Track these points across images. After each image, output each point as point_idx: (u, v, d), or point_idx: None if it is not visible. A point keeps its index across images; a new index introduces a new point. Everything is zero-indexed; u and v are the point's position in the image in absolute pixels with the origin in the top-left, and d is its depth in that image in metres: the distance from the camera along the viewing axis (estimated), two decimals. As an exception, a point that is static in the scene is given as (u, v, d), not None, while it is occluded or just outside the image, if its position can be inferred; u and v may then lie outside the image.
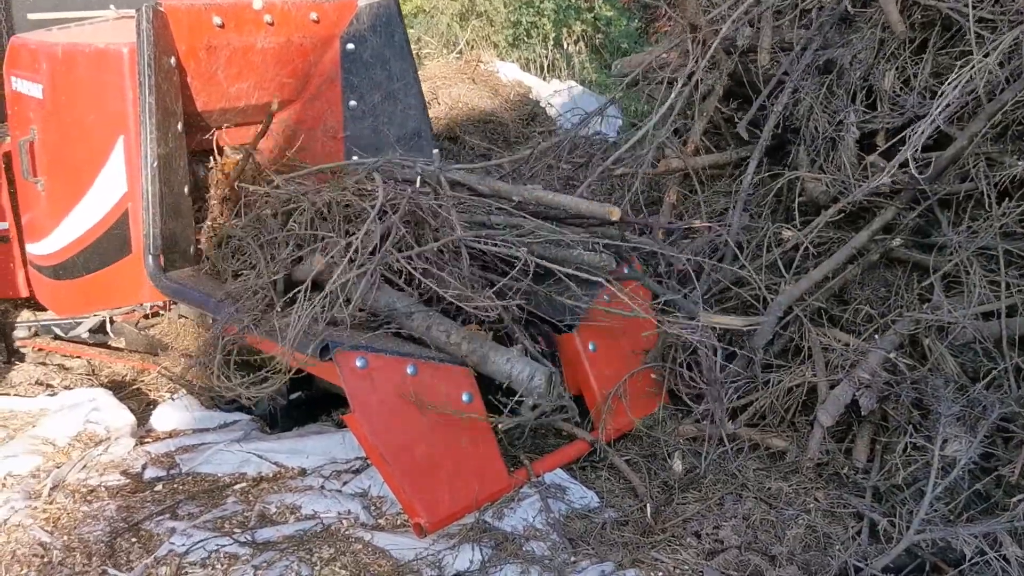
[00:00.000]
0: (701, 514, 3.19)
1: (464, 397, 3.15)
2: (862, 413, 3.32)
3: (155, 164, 3.54)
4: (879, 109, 3.77)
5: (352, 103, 4.38)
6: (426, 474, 3.00)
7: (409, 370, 3.04)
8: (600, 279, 3.30)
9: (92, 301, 4.11)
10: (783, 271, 3.66)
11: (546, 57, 11.21)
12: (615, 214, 3.31)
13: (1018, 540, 2.82)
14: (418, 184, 3.44)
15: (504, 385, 3.07)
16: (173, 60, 3.69)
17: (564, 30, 11.50)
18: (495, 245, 3.25)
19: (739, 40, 4.10)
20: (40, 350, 4.66)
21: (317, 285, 3.16)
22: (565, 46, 11.51)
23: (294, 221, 3.46)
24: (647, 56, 4.29)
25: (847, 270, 3.67)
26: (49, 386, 4.41)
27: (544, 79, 10.49)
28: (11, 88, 4.01)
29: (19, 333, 4.60)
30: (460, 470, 3.08)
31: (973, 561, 2.79)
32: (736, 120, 4.20)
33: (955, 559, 2.89)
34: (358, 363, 2.93)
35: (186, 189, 3.82)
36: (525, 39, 11.50)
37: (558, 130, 7.88)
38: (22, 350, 4.64)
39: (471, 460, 3.12)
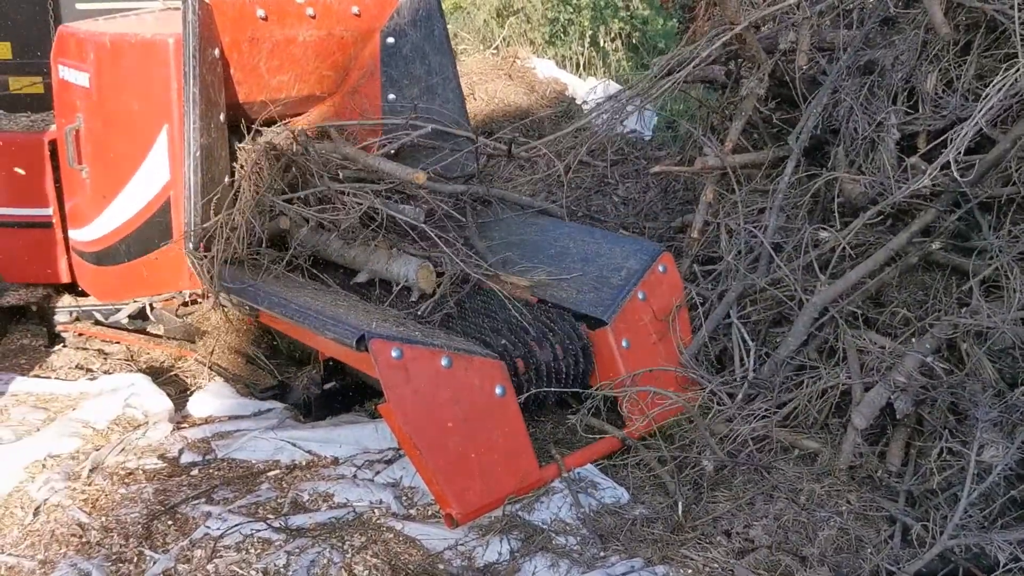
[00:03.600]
0: (732, 513, 3.19)
1: (497, 390, 3.17)
2: (897, 416, 3.30)
3: (198, 153, 3.60)
4: (921, 111, 3.73)
5: (391, 96, 4.42)
6: (458, 466, 3.02)
7: (443, 362, 3.06)
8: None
9: (133, 287, 4.18)
10: (818, 272, 3.64)
11: (582, 55, 11.20)
12: (420, 178, 3.85)
13: (1054, 548, 2.80)
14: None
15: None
16: (217, 51, 3.75)
17: (601, 28, 11.48)
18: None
19: (780, 42, 4.08)
20: (80, 335, 4.74)
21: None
22: (602, 44, 11.49)
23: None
24: (684, 54, 4.28)
25: (884, 272, 3.64)
26: (89, 370, 4.48)
27: (580, 77, 10.48)
28: (58, 77, 4.09)
29: (60, 318, 4.68)
30: (492, 463, 3.10)
31: (1007, 568, 2.76)
32: (774, 120, 4.18)
33: (989, 565, 2.86)
34: (393, 354, 2.96)
35: (226, 179, 3.88)
36: (562, 36, 11.50)
37: (593, 128, 7.90)
38: (63, 334, 4.73)
39: (503, 453, 3.13)
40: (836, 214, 3.78)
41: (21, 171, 4.38)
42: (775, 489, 3.29)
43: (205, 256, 3.62)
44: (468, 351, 3.17)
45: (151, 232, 3.92)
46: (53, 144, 4.35)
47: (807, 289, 3.67)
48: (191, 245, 3.63)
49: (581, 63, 11.17)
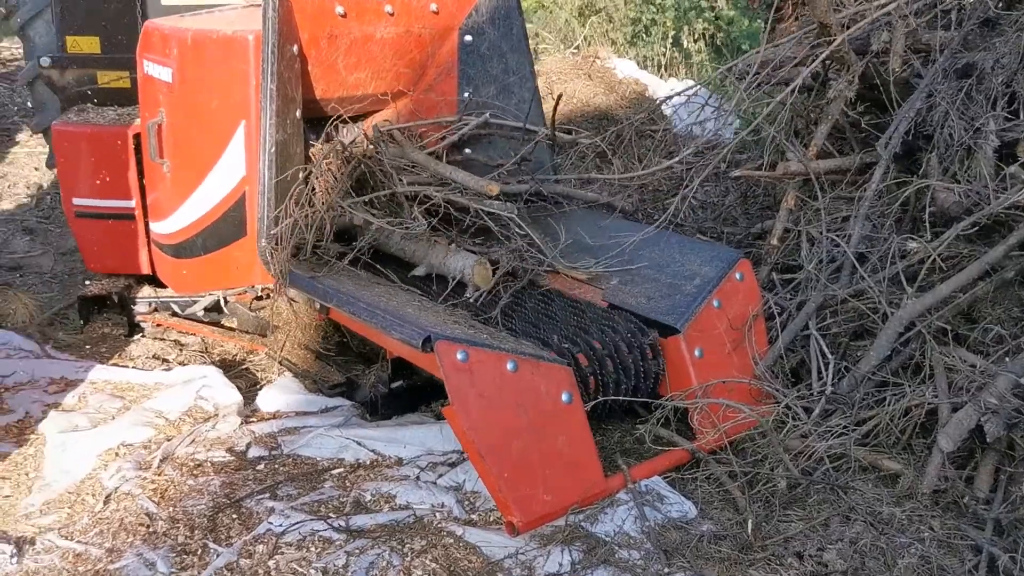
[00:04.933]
0: (804, 534, 3.05)
1: (564, 397, 3.10)
2: (987, 440, 3.12)
3: (272, 150, 3.61)
4: (1022, 117, 3.53)
5: (466, 95, 4.38)
6: (522, 472, 2.96)
7: (509, 366, 3.00)
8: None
9: (208, 280, 4.23)
10: (905, 285, 3.47)
11: (664, 55, 11.03)
12: (493, 190, 3.78)
13: None
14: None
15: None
16: (296, 48, 3.76)
17: (685, 28, 11.28)
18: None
19: (873, 43, 3.91)
20: (158, 325, 4.83)
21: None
22: (684, 44, 11.29)
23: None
24: (769, 54, 4.13)
25: (977, 287, 3.45)
26: (165, 361, 4.56)
27: (661, 78, 10.31)
28: (143, 71, 4.16)
29: (139, 308, 4.77)
30: (556, 471, 3.03)
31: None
32: (863, 125, 4.00)
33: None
34: (459, 356, 2.91)
35: (301, 175, 3.89)
36: (644, 36, 11.33)
37: (674, 130, 7.74)
38: (142, 324, 4.82)
39: (568, 461, 3.06)
40: (927, 224, 3.60)
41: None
42: (852, 511, 3.14)
43: (276, 251, 3.62)
44: (535, 356, 3.10)
45: (226, 227, 3.97)
46: (137, 138, 4.44)
47: (892, 302, 3.50)
48: (263, 240, 3.64)
49: (663, 64, 10.99)
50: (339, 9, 3.84)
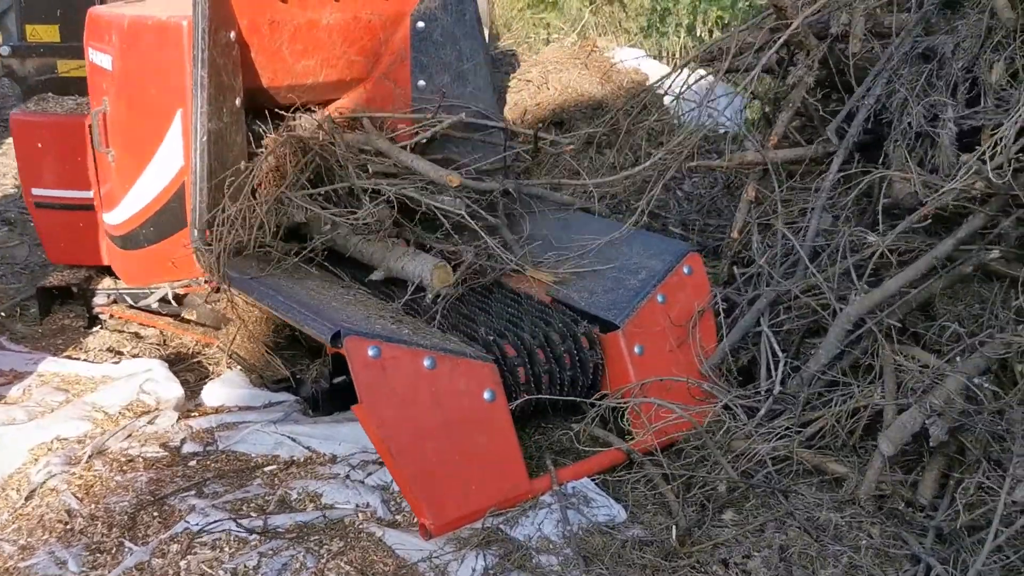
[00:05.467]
0: (736, 540, 2.92)
1: (486, 395, 2.99)
2: (931, 444, 2.96)
3: (205, 139, 3.53)
4: (983, 104, 3.35)
5: (421, 83, 4.27)
6: (437, 473, 2.86)
7: (426, 363, 2.90)
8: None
9: (153, 273, 4.17)
10: (855, 280, 3.31)
11: (679, 45, 10.82)
12: (454, 181, 3.69)
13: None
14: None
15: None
16: (232, 34, 3.66)
17: (700, 17, 11.07)
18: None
19: (832, 26, 3.74)
20: (119, 318, 4.77)
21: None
22: (698, 33, 11.08)
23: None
24: (731, 40, 3.98)
25: (930, 282, 3.29)
26: (119, 353, 4.50)
27: (676, 68, 10.09)
28: (89, 59, 4.10)
29: (98, 300, 4.71)
30: (475, 471, 2.92)
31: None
32: (822, 112, 3.84)
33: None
34: (370, 352, 2.81)
35: (242, 165, 3.80)
36: (659, 26, 11.13)
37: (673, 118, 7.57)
38: (101, 316, 4.77)
39: (488, 461, 2.95)
40: (879, 217, 3.44)
41: None
42: (790, 516, 3.01)
43: (209, 246, 3.54)
44: (457, 352, 2.99)
45: (167, 218, 3.89)
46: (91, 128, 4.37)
47: (842, 298, 3.35)
48: (196, 233, 3.56)
49: (678, 54, 10.77)
50: (279, -6, 3.74)
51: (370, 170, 3.95)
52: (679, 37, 10.95)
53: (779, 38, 3.73)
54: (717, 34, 11.22)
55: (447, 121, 4.20)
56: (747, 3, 10.95)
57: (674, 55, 10.74)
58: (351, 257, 3.92)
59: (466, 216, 3.70)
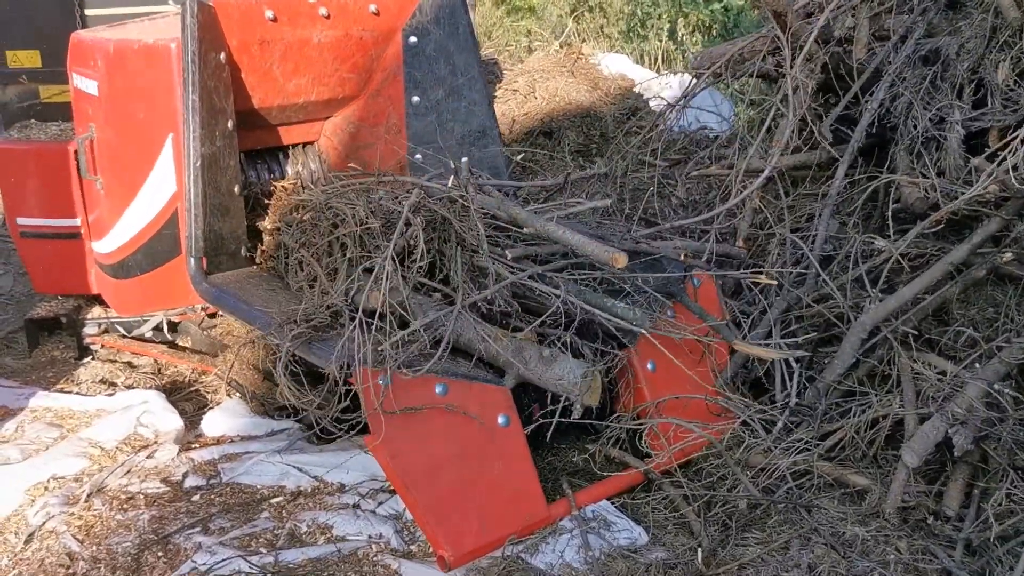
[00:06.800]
0: (762, 559, 2.85)
1: (500, 419, 2.90)
2: (955, 453, 2.91)
3: (198, 163, 3.43)
4: (990, 105, 3.31)
5: (415, 99, 4.18)
6: (453, 503, 2.77)
7: (438, 389, 2.81)
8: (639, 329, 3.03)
9: (147, 301, 4.06)
10: (869, 288, 3.26)
11: (660, 49, 10.79)
12: (619, 261, 2.89)
13: None
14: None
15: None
16: (223, 56, 3.57)
17: (680, 20, 11.04)
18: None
19: (836, 30, 3.69)
20: (111, 348, 4.66)
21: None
22: (679, 37, 11.06)
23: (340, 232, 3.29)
24: (730, 47, 3.92)
25: (945, 288, 3.24)
26: (112, 384, 4.39)
27: (659, 72, 10.04)
28: (73, 85, 3.99)
29: (88, 330, 4.60)
30: (492, 499, 2.84)
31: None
32: (824, 117, 3.79)
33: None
34: (380, 381, 2.72)
35: (236, 189, 3.71)
36: (639, 31, 11.10)
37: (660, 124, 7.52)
38: (92, 347, 4.65)
39: (505, 488, 2.87)
40: (891, 221, 3.38)
41: None
42: (815, 532, 2.94)
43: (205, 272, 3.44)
44: (469, 376, 2.91)
45: (161, 245, 3.79)
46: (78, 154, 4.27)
47: (856, 306, 3.29)
48: (192, 261, 3.46)
49: (659, 58, 10.73)
50: (268, 13, 3.65)
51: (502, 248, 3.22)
52: (660, 41, 10.92)
53: (777, 45, 3.68)
54: (698, 37, 11.24)
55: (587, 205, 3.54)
56: (721, 4, 10.95)
57: (656, 59, 10.71)
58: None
59: (645, 332, 3.10)
